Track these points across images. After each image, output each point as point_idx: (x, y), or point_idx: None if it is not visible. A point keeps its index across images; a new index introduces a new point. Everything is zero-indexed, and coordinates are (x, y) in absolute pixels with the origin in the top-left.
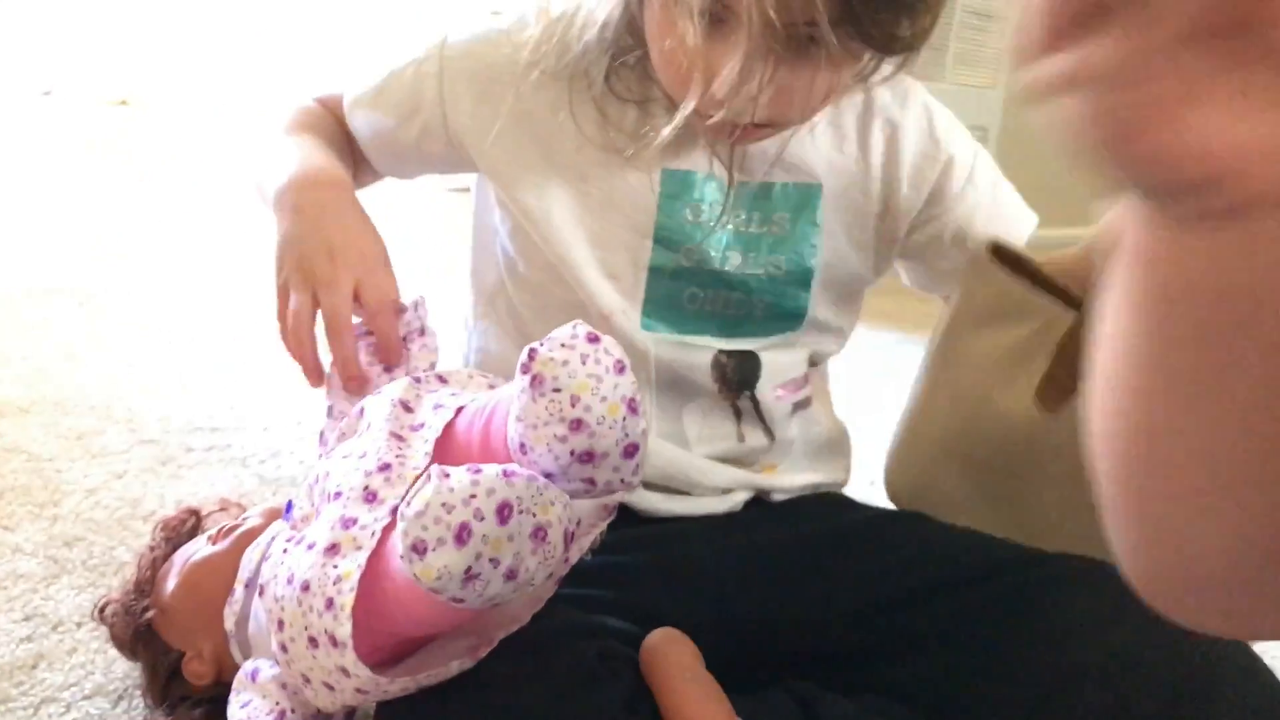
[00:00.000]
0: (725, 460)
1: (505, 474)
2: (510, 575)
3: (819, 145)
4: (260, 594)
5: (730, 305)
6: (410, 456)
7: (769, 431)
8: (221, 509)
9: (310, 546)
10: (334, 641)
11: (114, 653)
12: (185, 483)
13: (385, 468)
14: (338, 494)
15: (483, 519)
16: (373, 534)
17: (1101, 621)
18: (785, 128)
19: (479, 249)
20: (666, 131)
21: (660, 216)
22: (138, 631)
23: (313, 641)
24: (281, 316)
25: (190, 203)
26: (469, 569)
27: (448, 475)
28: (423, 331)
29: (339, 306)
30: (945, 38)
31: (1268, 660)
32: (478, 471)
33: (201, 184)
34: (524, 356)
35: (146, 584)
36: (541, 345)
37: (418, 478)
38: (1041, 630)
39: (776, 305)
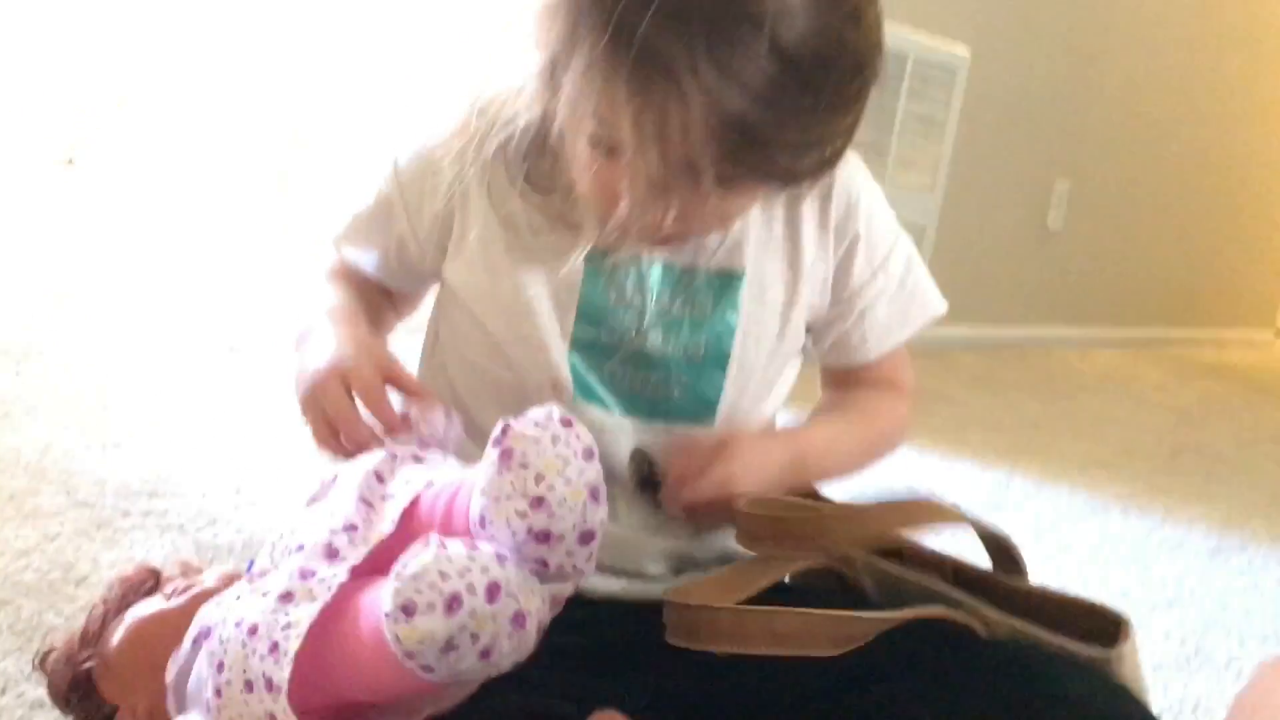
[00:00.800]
0: (661, 537)
1: (499, 556)
2: (484, 654)
3: (748, 229)
4: (205, 639)
5: (649, 385)
6: (376, 522)
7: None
8: (182, 572)
9: (265, 594)
10: (269, 685)
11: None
12: (120, 548)
13: (351, 528)
14: (300, 547)
15: (474, 594)
16: (329, 588)
17: None
18: (704, 235)
19: (426, 343)
20: (575, 258)
21: (584, 293)
22: (75, 681)
23: (248, 685)
24: (319, 427)
25: (128, 264)
26: (450, 639)
27: (446, 545)
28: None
29: (369, 379)
30: (887, 142)
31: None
32: (475, 548)
33: (140, 246)
34: (497, 431)
35: (93, 636)
36: (516, 422)
37: (380, 543)
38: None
39: (694, 387)
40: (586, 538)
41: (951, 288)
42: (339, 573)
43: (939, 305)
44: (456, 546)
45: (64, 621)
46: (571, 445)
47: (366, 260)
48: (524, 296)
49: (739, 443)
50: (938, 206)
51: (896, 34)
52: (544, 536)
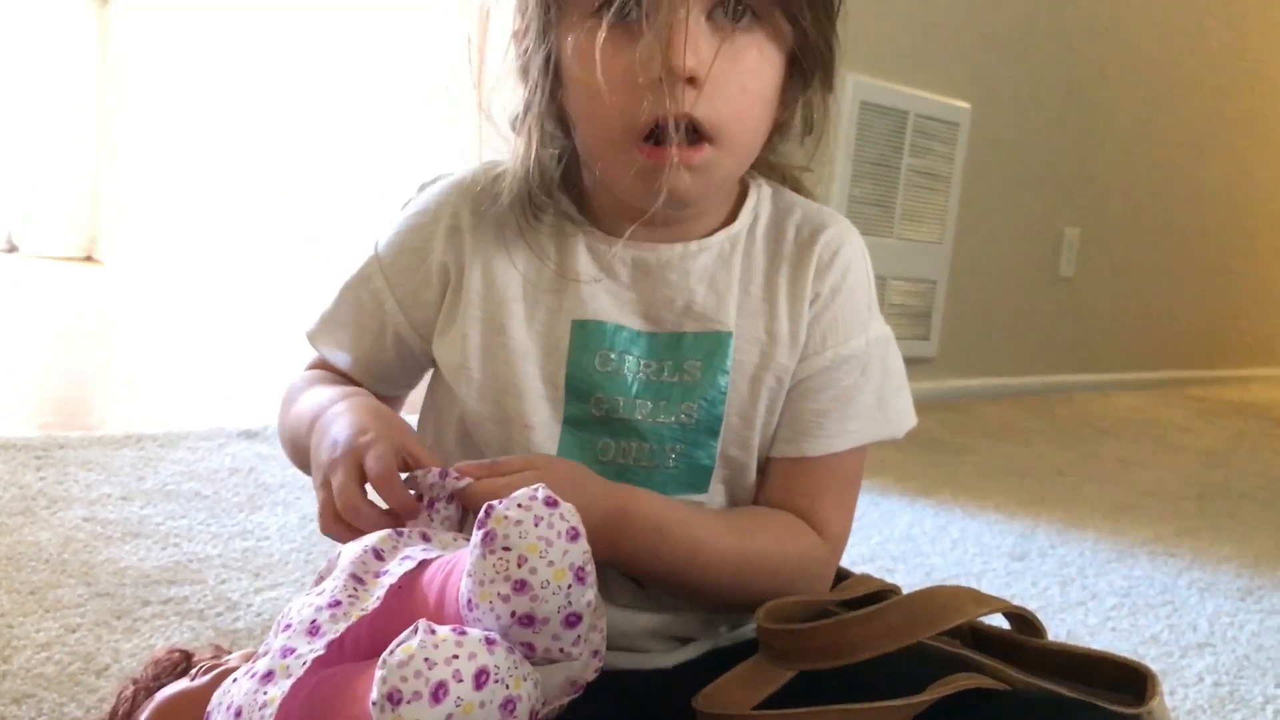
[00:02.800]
0: (651, 613)
1: (487, 640)
2: None
3: (727, 294)
4: None
5: (642, 456)
6: (362, 598)
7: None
8: (213, 654)
9: (252, 675)
10: None
11: None
12: (141, 636)
13: (335, 604)
14: (287, 626)
15: (460, 681)
16: (304, 664)
17: None
18: (718, 143)
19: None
20: (567, 226)
21: (570, 367)
22: None
23: None
24: (325, 510)
25: (147, 360)
26: None
27: (434, 631)
28: (450, 500)
29: (384, 464)
30: (892, 196)
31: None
32: (463, 633)
33: (160, 340)
34: (482, 513)
35: (123, 716)
36: (500, 503)
37: (361, 619)
38: None
39: (688, 455)
40: (572, 621)
41: (967, 338)
42: (315, 648)
43: (899, 423)
44: (444, 632)
45: (85, 713)
46: (555, 526)
47: (343, 360)
48: (514, 377)
49: (551, 464)
50: (948, 259)
51: (897, 91)
52: (528, 620)
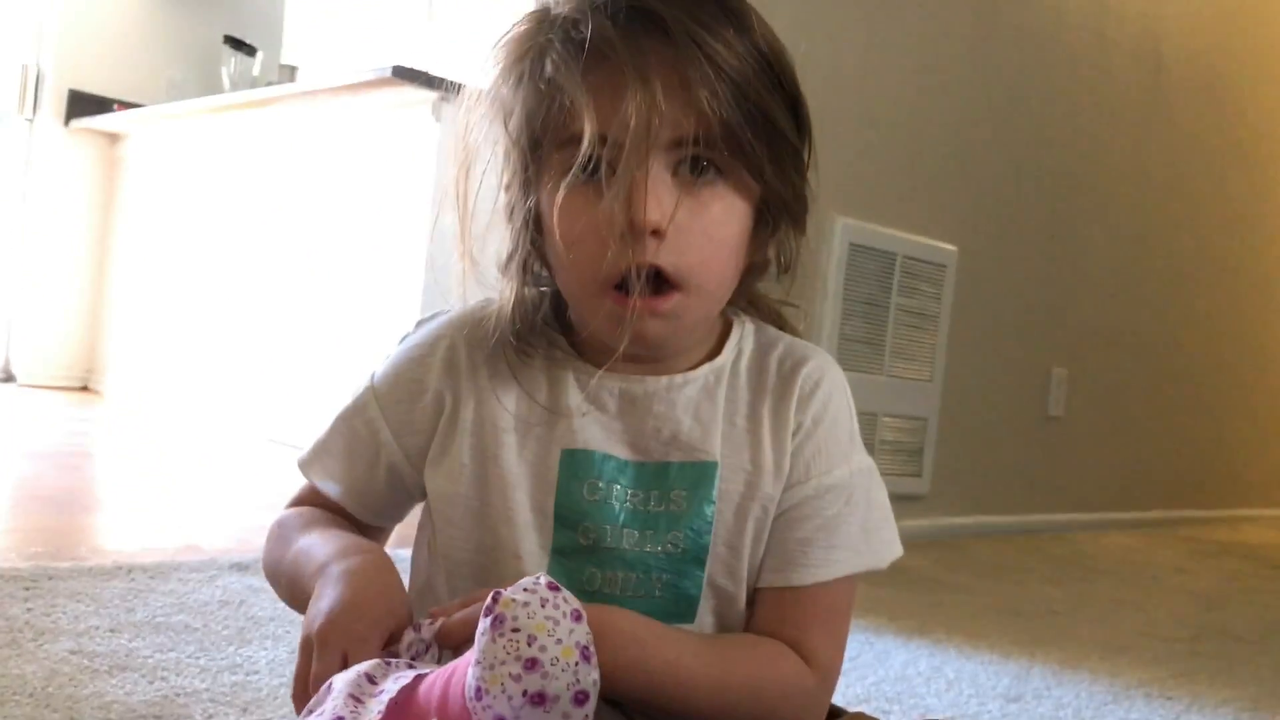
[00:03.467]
0: None
1: None
2: None
3: (712, 425)
4: None
5: (629, 586)
6: (363, 714)
7: None
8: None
9: None
10: None
11: None
12: None
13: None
14: None
15: None
16: None
17: None
18: (688, 280)
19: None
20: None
21: (559, 495)
22: None
23: None
24: (299, 684)
25: (140, 490)
26: None
27: None
28: (427, 649)
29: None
30: (883, 334)
31: None
32: None
33: (154, 470)
34: (488, 601)
35: None
36: (506, 590)
37: None
38: None
39: (675, 585)
40: (580, 698)
41: (957, 476)
42: None
43: (885, 553)
44: None
45: None
46: (560, 608)
47: (333, 489)
48: (505, 505)
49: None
50: (938, 396)
51: (886, 234)
52: (539, 699)
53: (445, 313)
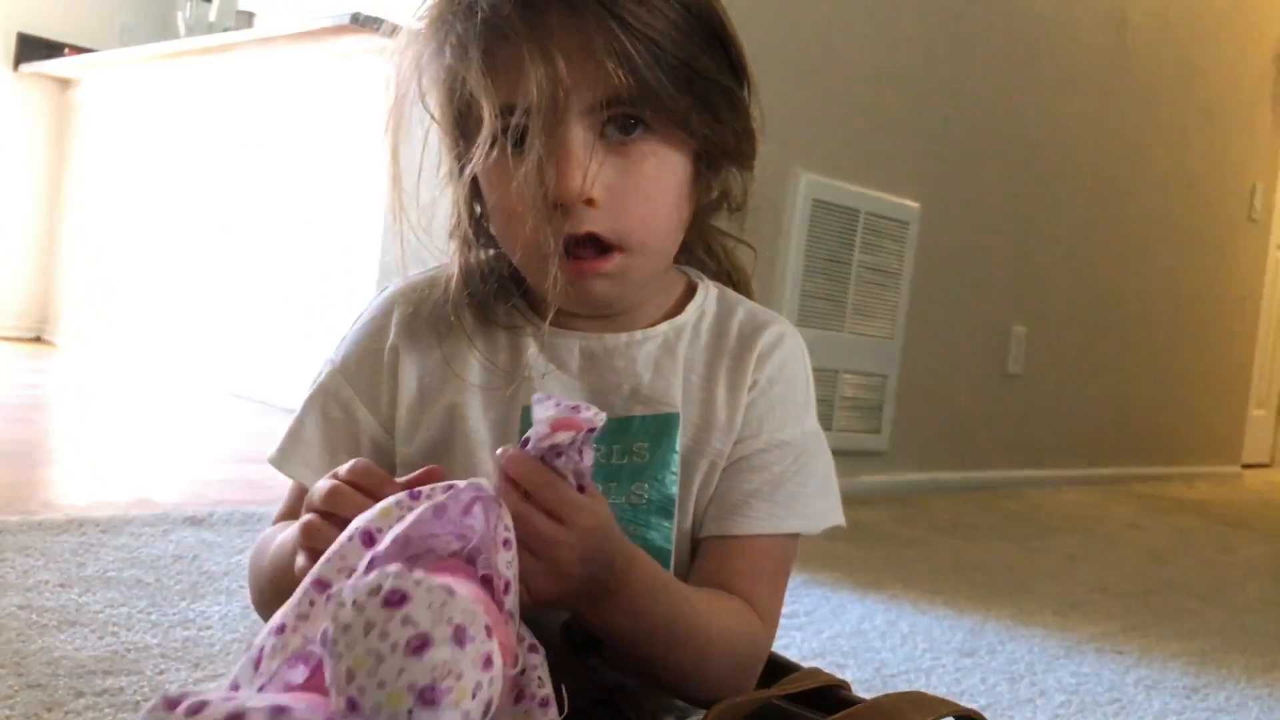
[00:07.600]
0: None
1: None
2: None
3: (672, 378)
4: None
5: None
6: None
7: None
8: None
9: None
10: None
11: None
12: None
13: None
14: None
15: None
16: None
17: None
18: (624, 221)
19: None
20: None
21: None
22: None
23: None
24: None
25: (93, 443)
26: None
27: None
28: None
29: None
30: (844, 291)
31: None
32: None
33: (108, 423)
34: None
35: None
36: (347, 586)
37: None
38: None
39: (642, 537)
40: None
41: (916, 432)
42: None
43: (826, 517)
44: None
45: None
46: (392, 635)
47: (314, 480)
48: (472, 465)
49: (589, 536)
50: (898, 354)
51: (849, 190)
52: None
53: (397, 281)
